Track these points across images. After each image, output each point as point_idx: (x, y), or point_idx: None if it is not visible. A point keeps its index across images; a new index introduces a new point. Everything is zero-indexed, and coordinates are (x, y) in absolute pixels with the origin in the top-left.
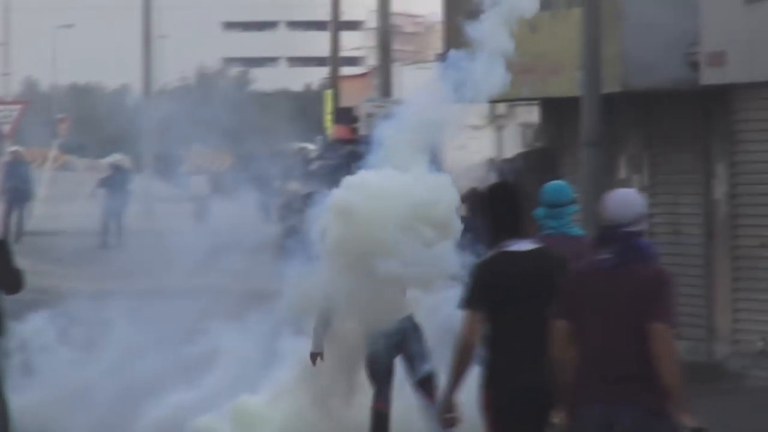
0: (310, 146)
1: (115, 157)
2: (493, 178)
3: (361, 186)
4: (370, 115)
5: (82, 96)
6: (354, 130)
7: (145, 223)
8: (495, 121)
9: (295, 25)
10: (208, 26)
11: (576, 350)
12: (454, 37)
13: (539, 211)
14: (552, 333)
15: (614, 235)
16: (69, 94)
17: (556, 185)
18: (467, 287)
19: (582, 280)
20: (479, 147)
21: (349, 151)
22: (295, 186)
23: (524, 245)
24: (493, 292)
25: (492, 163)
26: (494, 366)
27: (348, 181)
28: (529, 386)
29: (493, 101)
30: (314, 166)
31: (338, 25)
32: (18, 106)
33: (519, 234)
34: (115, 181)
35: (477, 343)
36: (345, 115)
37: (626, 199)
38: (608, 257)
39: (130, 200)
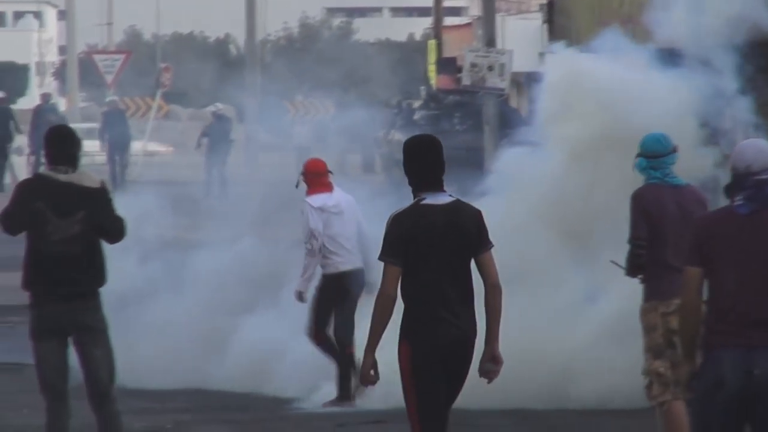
0: (413, 100)
1: (217, 106)
2: None
3: None
4: (473, 65)
5: (185, 45)
6: (457, 81)
7: (249, 172)
8: None
9: None
10: None
11: (710, 296)
12: None
13: (640, 162)
14: (685, 280)
15: (747, 183)
16: (172, 44)
17: (655, 135)
18: (385, 239)
19: (714, 227)
20: None
21: (452, 101)
22: (398, 136)
23: (441, 198)
24: (409, 244)
25: None
26: (412, 319)
27: None
28: (448, 339)
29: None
30: (418, 116)
31: None
32: (121, 56)
33: (437, 187)
34: (217, 131)
35: (396, 295)
36: (448, 66)
37: (759, 148)
38: (741, 203)
39: (233, 149)
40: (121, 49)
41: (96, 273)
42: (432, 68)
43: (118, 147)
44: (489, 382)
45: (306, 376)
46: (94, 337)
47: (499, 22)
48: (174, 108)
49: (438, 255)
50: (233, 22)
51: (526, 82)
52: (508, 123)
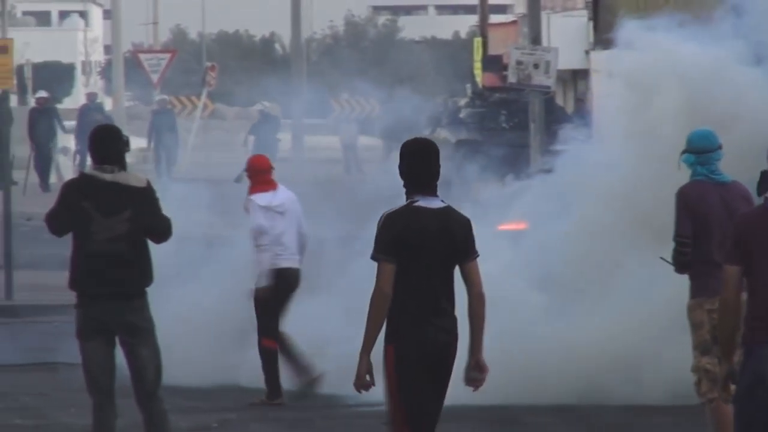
0: (459, 97)
1: (264, 105)
2: None
3: None
4: (519, 63)
5: (230, 44)
6: (503, 78)
7: (294, 171)
8: None
9: None
10: None
11: (748, 294)
12: None
13: (687, 158)
14: (724, 278)
15: None
16: (217, 42)
17: (702, 132)
18: (378, 238)
19: (753, 224)
20: None
21: (498, 99)
22: (445, 134)
23: (434, 202)
24: (401, 245)
25: None
26: (398, 321)
27: None
28: (436, 344)
29: None
30: (463, 113)
31: None
32: (167, 55)
33: (431, 191)
34: (264, 129)
35: (391, 293)
36: (494, 63)
37: None
38: None
39: (278, 147)
40: (166, 48)
41: (142, 272)
42: (477, 66)
43: (165, 145)
44: (475, 390)
45: (351, 372)
46: (140, 336)
47: (544, 20)
48: (220, 107)
49: (429, 258)
50: (279, 20)
51: (571, 78)
52: (554, 120)
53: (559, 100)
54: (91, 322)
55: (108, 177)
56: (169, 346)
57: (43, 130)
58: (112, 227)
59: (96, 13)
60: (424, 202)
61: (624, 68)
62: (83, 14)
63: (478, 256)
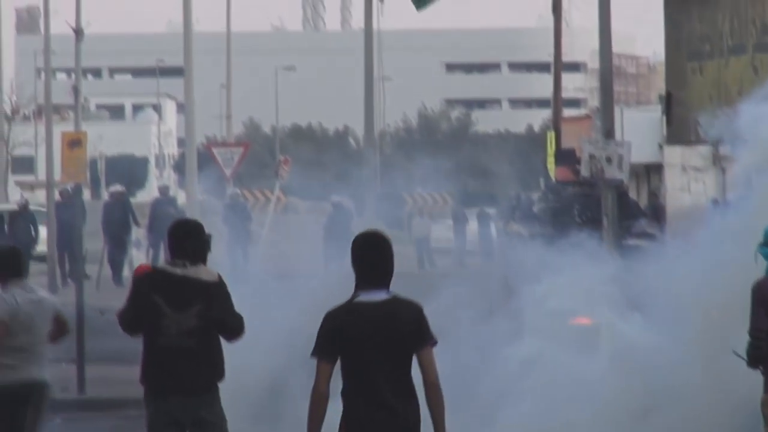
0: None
1: (337, 197)
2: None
3: None
4: (592, 157)
5: (304, 137)
6: (576, 172)
7: None
8: (719, 162)
9: (516, 66)
10: (429, 68)
11: None
12: (676, 79)
13: (764, 251)
14: None
15: None
16: (290, 136)
17: None
18: (317, 336)
19: None
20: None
21: (571, 193)
22: (517, 228)
23: (376, 295)
24: (342, 341)
25: (715, 203)
26: (349, 415)
27: None
28: None
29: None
30: (536, 208)
31: (560, 67)
32: (240, 149)
33: (377, 284)
34: (337, 221)
35: (328, 392)
36: (567, 157)
37: None
38: None
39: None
40: (239, 141)
41: (213, 367)
42: (551, 160)
43: (239, 239)
44: None
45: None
46: (210, 430)
47: (617, 114)
48: (292, 200)
49: (370, 354)
50: (352, 114)
51: (645, 172)
52: (627, 214)
53: (632, 194)
54: (162, 417)
55: (179, 271)
56: None
57: (117, 223)
58: (182, 321)
59: (169, 107)
60: (365, 297)
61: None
62: (156, 108)
63: (435, 343)
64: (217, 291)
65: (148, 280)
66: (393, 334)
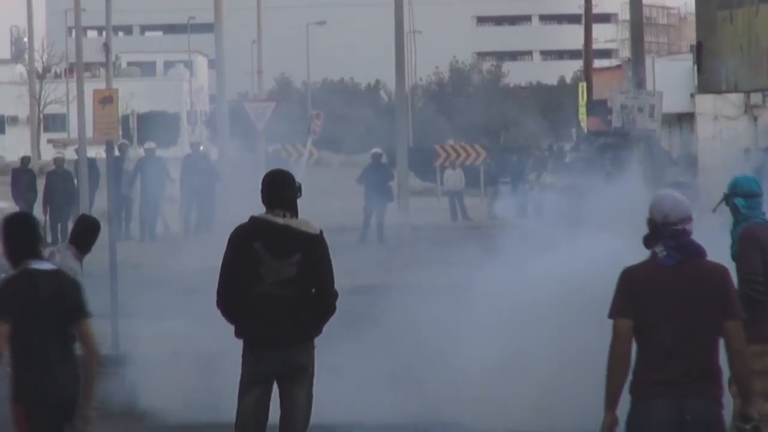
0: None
1: (377, 149)
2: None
3: None
4: (623, 107)
5: (335, 92)
6: (608, 122)
7: (401, 217)
8: (750, 111)
9: (547, 18)
10: (460, 21)
11: (639, 347)
12: (707, 29)
13: (738, 201)
14: (614, 331)
15: (666, 233)
16: (322, 91)
17: (748, 177)
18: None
19: (643, 279)
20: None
21: (603, 144)
22: (550, 179)
23: (45, 265)
24: (13, 308)
25: (747, 153)
26: (22, 380)
27: None
28: (60, 400)
29: (749, 91)
30: (569, 158)
31: (591, 18)
32: (271, 104)
33: (36, 255)
34: (375, 174)
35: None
36: (599, 108)
37: (676, 199)
38: (666, 255)
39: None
40: (271, 96)
41: (309, 317)
42: (582, 111)
43: None
44: None
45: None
46: (301, 377)
47: (649, 64)
48: (325, 154)
49: (39, 318)
50: (384, 68)
51: (677, 122)
52: (659, 164)
53: (664, 144)
54: (256, 368)
55: (281, 221)
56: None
57: (150, 180)
58: (280, 270)
59: (201, 63)
60: (36, 265)
61: None
62: (188, 64)
63: (90, 316)
64: (319, 243)
65: (248, 228)
66: (60, 303)
